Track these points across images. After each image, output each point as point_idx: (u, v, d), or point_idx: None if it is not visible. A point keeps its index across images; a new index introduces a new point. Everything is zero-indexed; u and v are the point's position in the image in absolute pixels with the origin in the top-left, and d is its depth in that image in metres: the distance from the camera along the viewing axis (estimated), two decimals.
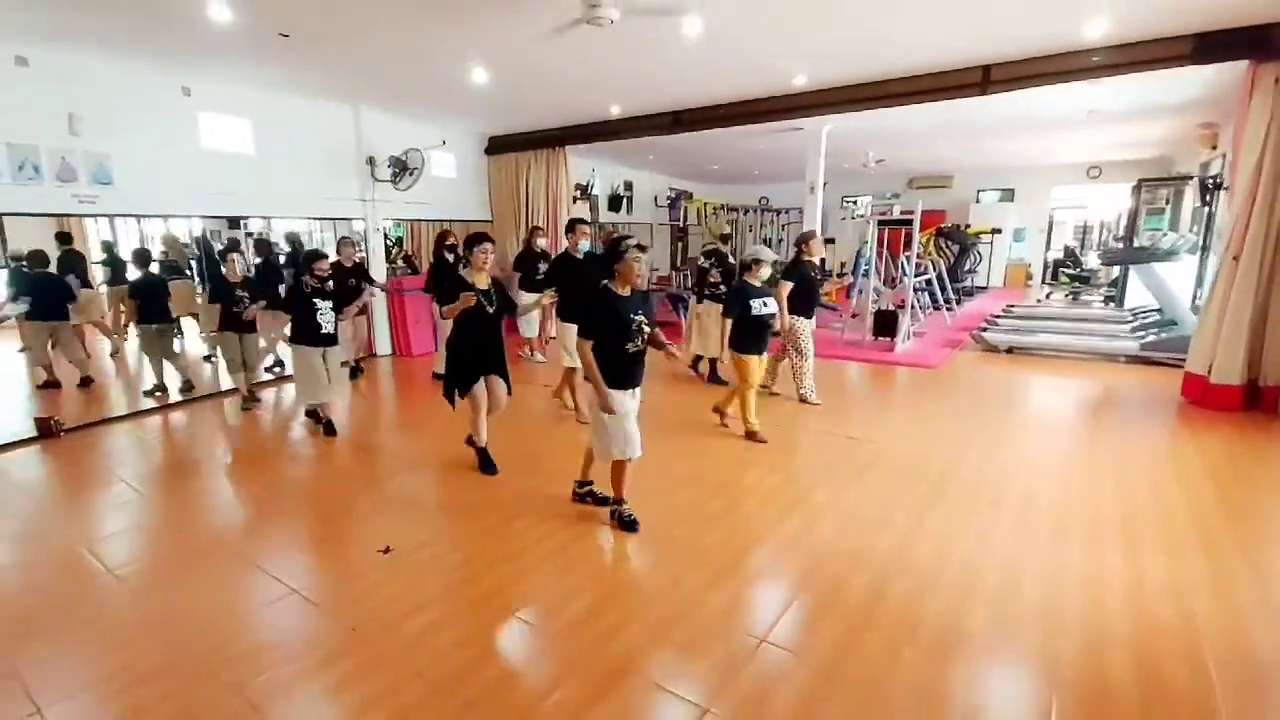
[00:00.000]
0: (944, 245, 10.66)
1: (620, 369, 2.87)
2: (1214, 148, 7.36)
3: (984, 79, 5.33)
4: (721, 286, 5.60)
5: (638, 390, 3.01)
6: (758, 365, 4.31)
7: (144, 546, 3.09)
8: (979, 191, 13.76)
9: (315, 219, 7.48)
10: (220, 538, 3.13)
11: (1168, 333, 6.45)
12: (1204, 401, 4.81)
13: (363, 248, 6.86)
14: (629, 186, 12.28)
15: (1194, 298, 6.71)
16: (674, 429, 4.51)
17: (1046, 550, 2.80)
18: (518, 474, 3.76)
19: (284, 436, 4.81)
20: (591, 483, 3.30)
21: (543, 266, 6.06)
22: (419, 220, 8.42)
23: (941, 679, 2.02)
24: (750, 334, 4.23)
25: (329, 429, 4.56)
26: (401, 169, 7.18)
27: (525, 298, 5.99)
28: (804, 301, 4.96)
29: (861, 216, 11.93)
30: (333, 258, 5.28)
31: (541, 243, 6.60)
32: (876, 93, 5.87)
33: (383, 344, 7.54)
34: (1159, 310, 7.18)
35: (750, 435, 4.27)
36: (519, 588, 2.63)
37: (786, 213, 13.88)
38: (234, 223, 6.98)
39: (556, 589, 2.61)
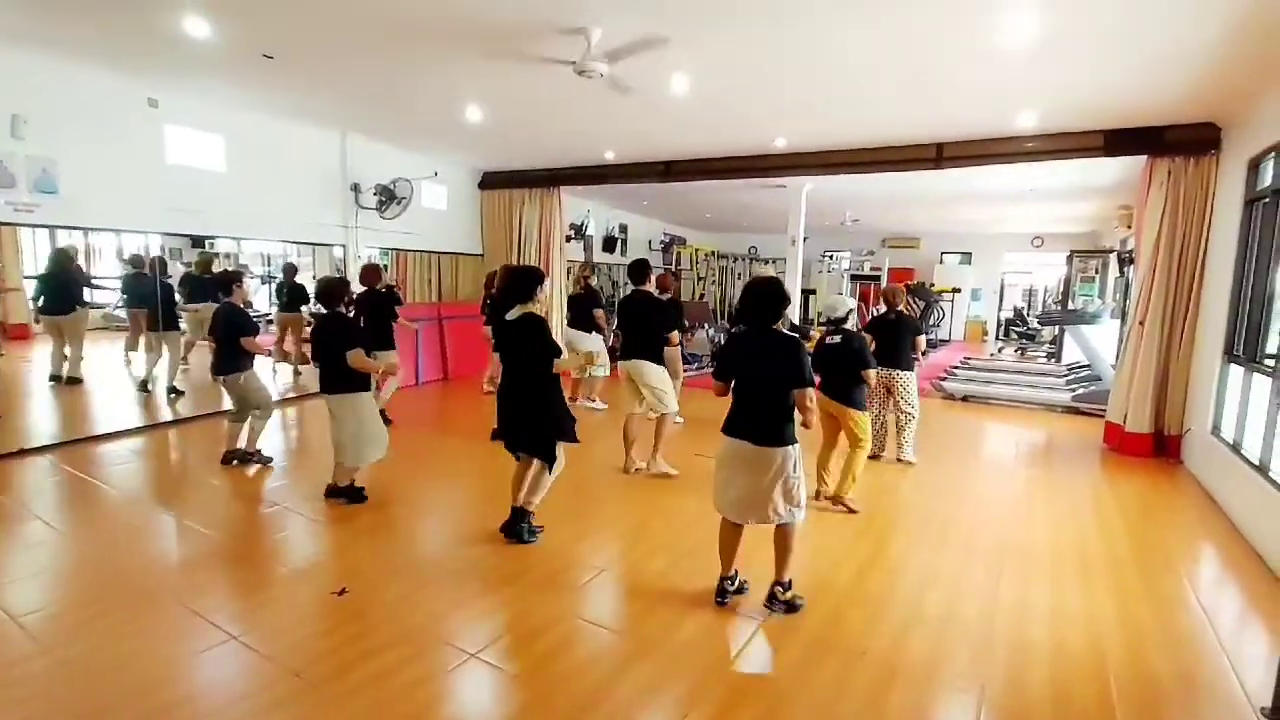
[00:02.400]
0: (911, 300, 11.52)
1: None
2: (1129, 227, 8.36)
3: (938, 155, 6.10)
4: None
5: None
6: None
7: (58, 589, 2.82)
8: (942, 253, 14.89)
9: (290, 242, 7.24)
10: (152, 579, 2.89)
11: (1094, 386, 7.20)
12: (1122, 448, 5.42)
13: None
14: (624, 229, 12.73)
15: (1117, 356, 7.52)
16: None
17: (982, 581, 3.08)
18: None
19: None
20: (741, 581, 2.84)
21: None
22: (405, 250, 8.07)
23: (884, 701, 2.19)
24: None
25: (355, 496, 3.78)
26: (389, 198, 7.07)
27: (588, 341, 5.91)
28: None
29: (834, 270, 12.83)
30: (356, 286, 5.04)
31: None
32: (847, 159, 6.56)
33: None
34: (1088, 366, 7.98)
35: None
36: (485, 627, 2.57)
37: (774, 262, 14.72)
38: (197, 241, 6.67)
39: (523, 627, 2.59)
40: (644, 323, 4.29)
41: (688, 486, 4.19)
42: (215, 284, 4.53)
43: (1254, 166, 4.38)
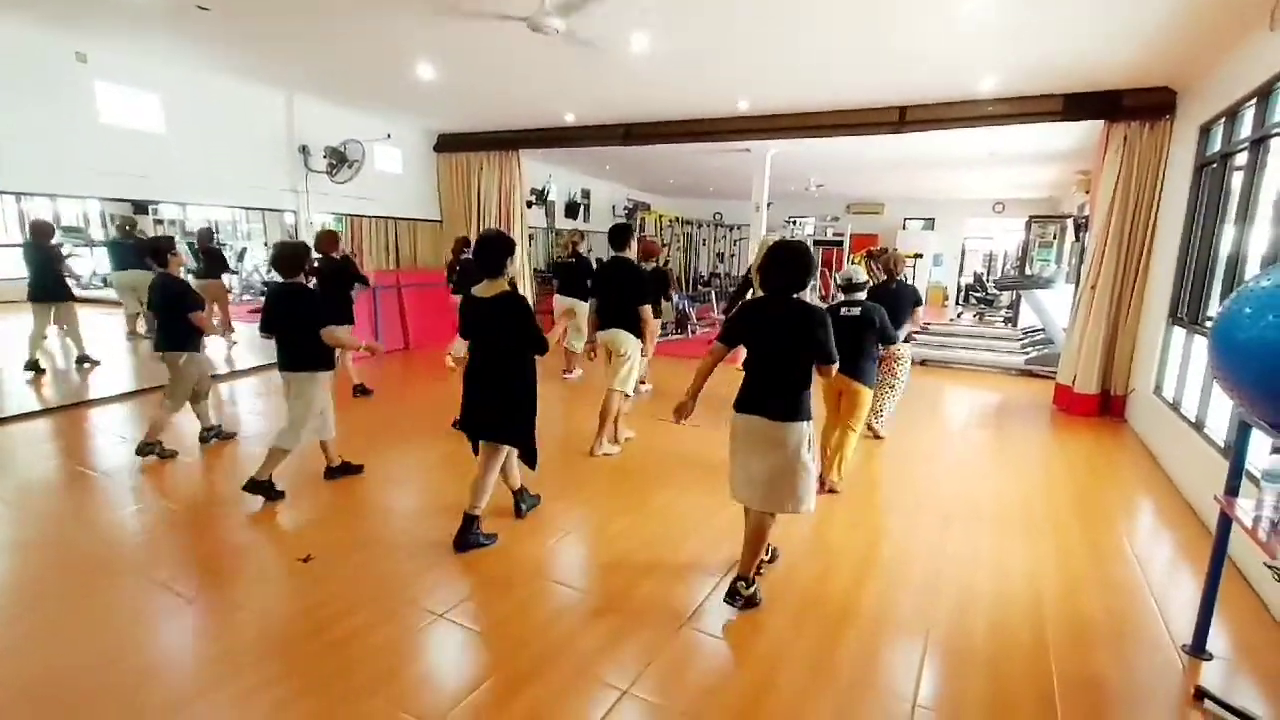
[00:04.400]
0: (874, 266, 11.58)
1: None
2: (1087, 192, 8.51)
3: (900, 118, 6.06)
4: None
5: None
6: None
7: (18, 563, 2.79)
8: (905, 219, 15.00)
9: (238, 208, 6.97)
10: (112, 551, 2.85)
11: (1046, 350, 7.40)
12: (1070, 408, 5.61)
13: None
14: (586, 194, 12.50)
15: (1069, 320, 7.72)
16: None
17: (931, 536, 3.21)
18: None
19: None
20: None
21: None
22: (359, 216, 7.73)
23: (835, 645, 2.30)
24: None
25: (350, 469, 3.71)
26: (340, 161, 6.79)
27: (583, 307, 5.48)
28: None
29: (796, 236, 12.82)
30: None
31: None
32: (810, 123, 6.49)
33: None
34: (1042, 330, 8.19)
35: None
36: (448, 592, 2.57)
37: (738, 228, 14.61)
38: (140, 208, 6.38)
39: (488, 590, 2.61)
40: (622, 292, 4.02)
41: (656, 453, 4.26)
42: (144, 250, 4.16)
43: (1205, 132, 4.43)
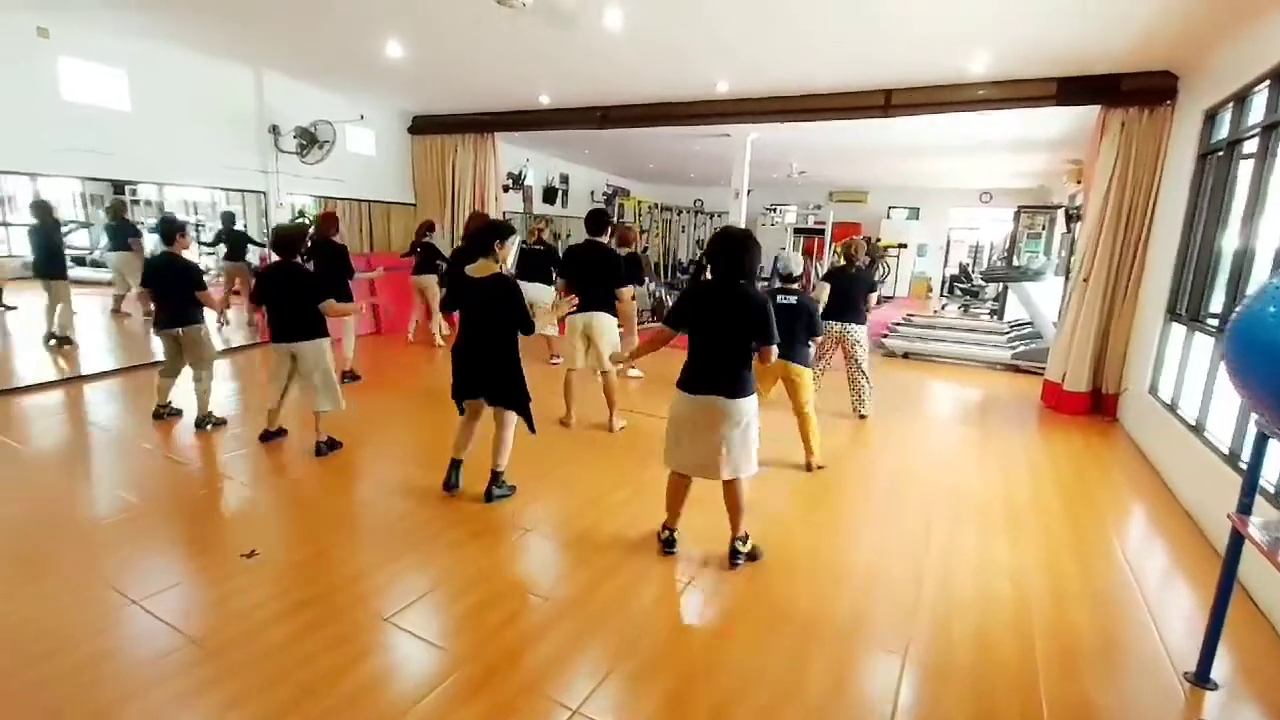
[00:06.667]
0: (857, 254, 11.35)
1: None
2: (1079, 182, 8.32)
3: (886, 102, 5.77)
4: None
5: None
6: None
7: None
8: (890, 208, 14.78)
9: (210, 188, 6.84)
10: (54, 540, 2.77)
11: (1034, 344, 7.22)
12: (1059, 406, 5.41)
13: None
14: (565, 180, 12.21)
15: (1059, 314, 7.56)
16: None
17: (911, 539, 3.04)
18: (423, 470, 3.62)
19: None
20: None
21: None
22: (332, 198, 7.74)
23: (806, 659, 2.13)
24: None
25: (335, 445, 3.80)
26: (310, 141, 6.68)
27: (546, 294, 5.76)
28: None
29: (776, 224, 12.57)
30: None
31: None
32: (792, 106, 6.20)
33: None
34: (1030, 323, 8.02)
35: None
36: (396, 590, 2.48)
37: (719, 215, 14.30)
38: (118, 188, 6.27)
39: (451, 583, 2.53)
40: (598, 275, 4.15)
41: (625, 441, 4.21)
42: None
43: (1210, 118, 4.20)
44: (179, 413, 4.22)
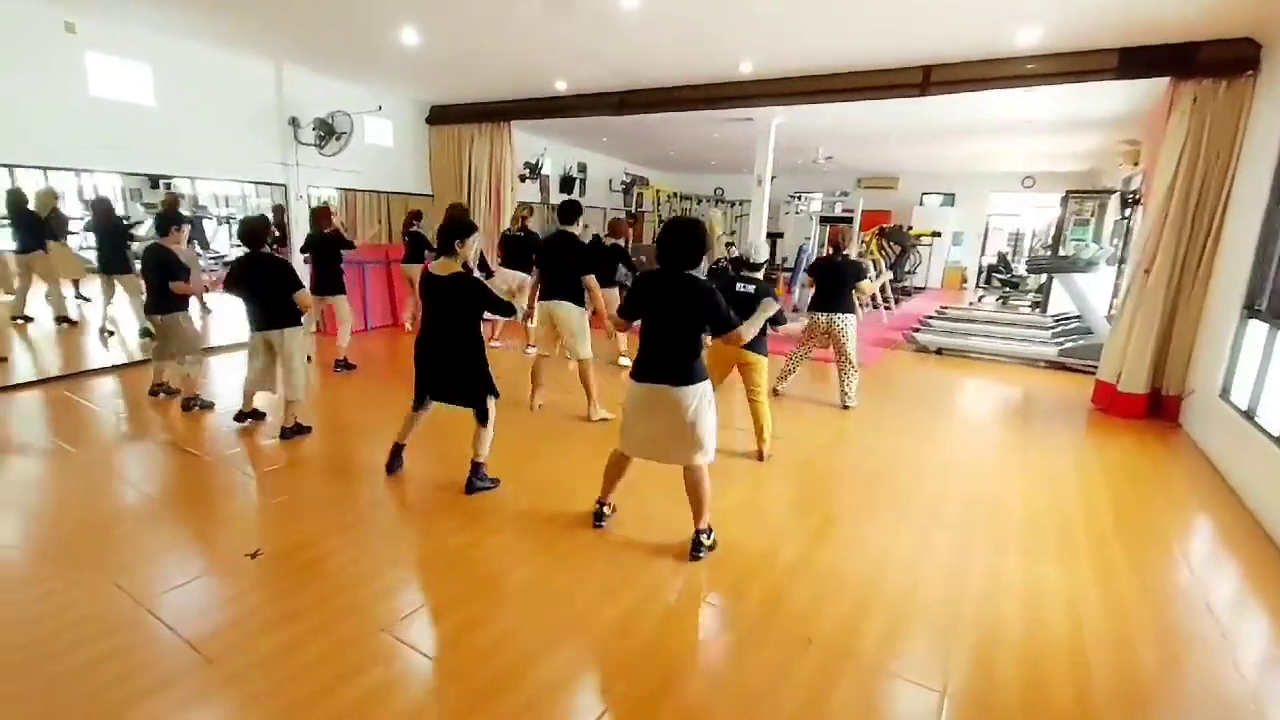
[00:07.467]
0: (886, 245, 10.83)
1: None
2: (1136, 164, 7.70)
3: (924, 79, 5.34)
4: None
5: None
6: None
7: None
8: (923, 194, 14.12)
9: (231, 180, 6.97)
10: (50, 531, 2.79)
11: (1084, 340, 6.72)
12: (1111, 409, 4.98)
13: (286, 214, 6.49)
14: (582, 168, 11.94)
15: (1110, 307, 7.03)
16: None
17: (948, 558, 2.77)
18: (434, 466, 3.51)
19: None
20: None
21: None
22: (353, 190, 7.90)
23: (829, 694, 1.93)
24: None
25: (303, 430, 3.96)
26: (328, 133, 6.62)
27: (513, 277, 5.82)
28: None
29: (801, 213, 12.09)
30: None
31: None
32: (822, 86, 5.81)
33: None
34: (1078, 317, 7.49)
35: None
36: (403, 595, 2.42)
37: (741, 204, 13.88)
38: (155, 183, 6.45)
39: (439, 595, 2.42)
40: (566, 263, 4.23)
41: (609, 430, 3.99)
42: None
43: None
44: (210, 405, 4.38)
